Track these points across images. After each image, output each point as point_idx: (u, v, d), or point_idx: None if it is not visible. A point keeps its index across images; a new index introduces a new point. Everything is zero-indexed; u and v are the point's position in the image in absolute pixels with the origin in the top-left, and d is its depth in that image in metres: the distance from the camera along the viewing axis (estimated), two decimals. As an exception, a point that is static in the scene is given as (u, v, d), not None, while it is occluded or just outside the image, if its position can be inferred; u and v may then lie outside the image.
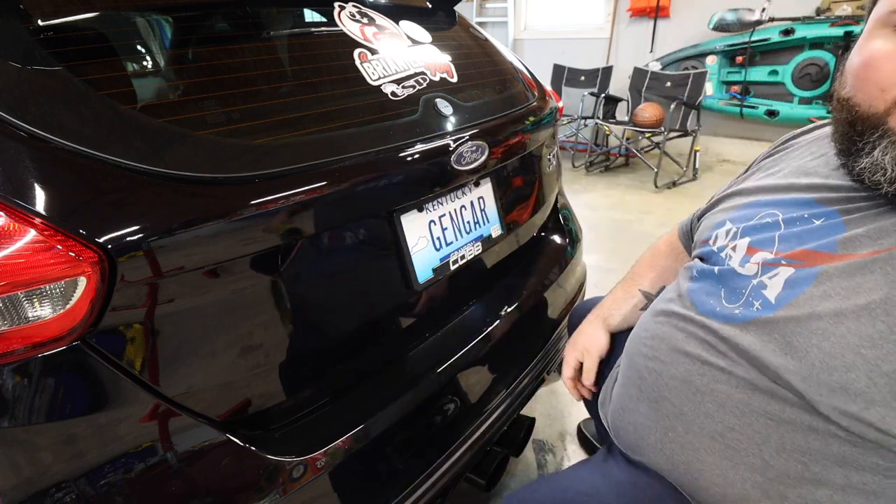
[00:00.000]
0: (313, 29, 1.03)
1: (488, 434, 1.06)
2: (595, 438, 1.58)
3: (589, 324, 1.06)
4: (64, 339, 0.59)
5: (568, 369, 1.05)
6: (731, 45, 4.55)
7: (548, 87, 1.44)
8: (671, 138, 4.36)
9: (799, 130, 0.84)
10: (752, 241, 0.68)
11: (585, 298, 1.33)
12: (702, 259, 0.76)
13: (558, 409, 1.80)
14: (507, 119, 1.15)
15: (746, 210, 0.73)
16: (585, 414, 1.73)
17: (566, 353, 1.06)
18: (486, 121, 1.08)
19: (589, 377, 1.02)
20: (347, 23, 1.00)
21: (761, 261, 0.65)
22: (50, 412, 0.60)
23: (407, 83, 0.99)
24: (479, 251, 1.12)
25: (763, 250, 0.66)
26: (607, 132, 4.92)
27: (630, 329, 0.85)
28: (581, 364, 1.04)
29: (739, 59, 4.55)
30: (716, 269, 0.71)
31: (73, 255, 0.58)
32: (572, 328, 1.13)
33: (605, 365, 1.03)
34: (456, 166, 0.97)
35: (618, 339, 1.03)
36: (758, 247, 0.67)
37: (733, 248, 0.70)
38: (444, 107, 1.02)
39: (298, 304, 0.82)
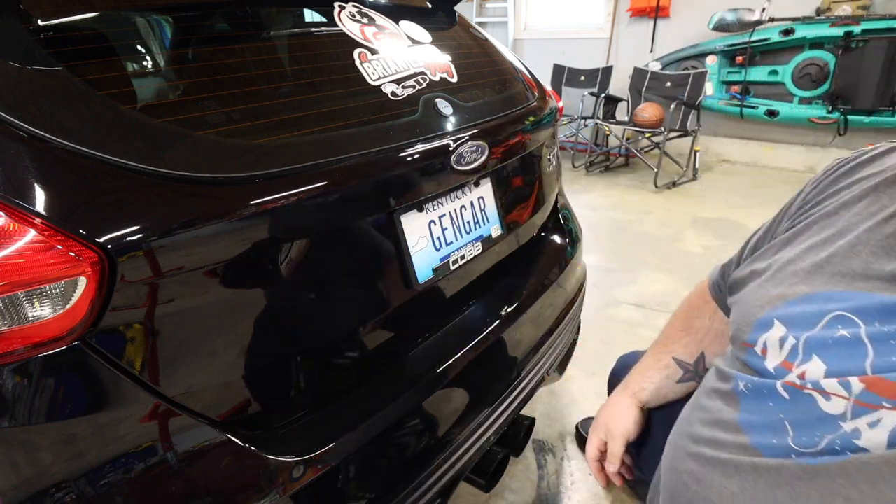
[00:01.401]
0: (313, 29, 1.03)
1: (488, 434, 1.06)
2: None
3: (616, 400, 0.93)
4: (64, 339, 0.59)
5: (591, 449, 0.93)
6: (731, 45, 4.56)
7: (548, 87, 1.44)
8: (671, 138, 4.36)
9: (863, 156, 0.61)
10: (830, 368, 0.50)
11: (629, 351, 1.16)
12: (748, 368, 0.59)
13: (558, 409, 1.80)
14: (507, 119, 1.15)
15: (805, 307, 0.55)
16: (585, 414, 1.74)
17: (590, 432, 0.94)
18: (486, 121, 1.08)
19: (613, 463, 0.91)
20: (347, 23, 1.00)
21: (853, 398, 0.48)
22: (50, 412, 0.60)
23: (407, 83, 0.99)
24: (479, 251, 1.12)
25: (850, 379, 0.49)
26: (607, 132, 4.92)
27: (666, 405, 0.72)
28: (606, 445, 0.93)
29: (739, 59, 4.56)
30: (778, 393, 0.54)
31: (73, 255, 0.58)
32: (611, 389, 1.02)
33: (642, 444, 0.92)
34: (456, 166, 0.97)
35: (654, 416, 0.91)
36: (840, 375, 0.50)
37: (800, 376, 0.52)
38: (444, 107, 1.01)
39: (298, 305, 0.82)
